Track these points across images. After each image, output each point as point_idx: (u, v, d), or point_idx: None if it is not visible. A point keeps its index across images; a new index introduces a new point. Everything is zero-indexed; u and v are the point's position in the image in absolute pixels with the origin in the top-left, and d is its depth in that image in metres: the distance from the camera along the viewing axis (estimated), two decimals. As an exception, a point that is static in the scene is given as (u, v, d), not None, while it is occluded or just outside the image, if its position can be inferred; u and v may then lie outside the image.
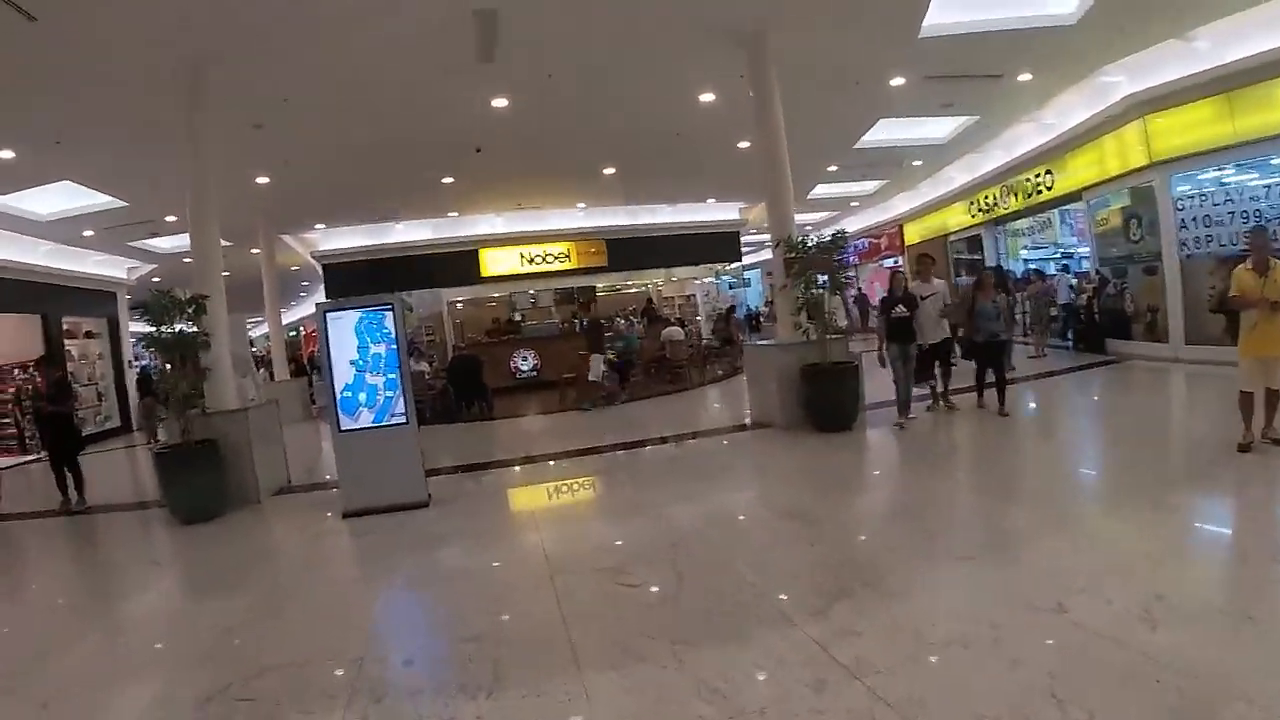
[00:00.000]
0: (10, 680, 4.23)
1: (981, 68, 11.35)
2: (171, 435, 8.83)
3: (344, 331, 7.46)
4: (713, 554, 5.42)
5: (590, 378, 14.48)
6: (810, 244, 9.56)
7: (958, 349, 10.47)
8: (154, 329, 8.27)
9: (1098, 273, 14.37)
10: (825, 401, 9.31)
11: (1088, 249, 21.40)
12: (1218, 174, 11.54)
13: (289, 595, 5.58)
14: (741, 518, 6.61)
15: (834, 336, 9.72)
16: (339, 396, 7.45)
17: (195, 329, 8.40)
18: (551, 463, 9.67)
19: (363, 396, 7.48)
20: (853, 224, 28.76)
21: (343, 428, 7.49)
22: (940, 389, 10.10)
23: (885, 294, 10.03)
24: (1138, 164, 12.37)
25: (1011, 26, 9.65)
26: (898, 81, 11.60)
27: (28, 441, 14.86)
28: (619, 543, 5.99)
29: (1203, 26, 10.40)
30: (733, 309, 24.90)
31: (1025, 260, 20.20)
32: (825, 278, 9.61)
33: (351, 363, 7.45)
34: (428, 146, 12.93)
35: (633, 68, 10.44)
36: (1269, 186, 10.77)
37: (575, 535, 6.49)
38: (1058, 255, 20.86)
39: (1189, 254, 11.68)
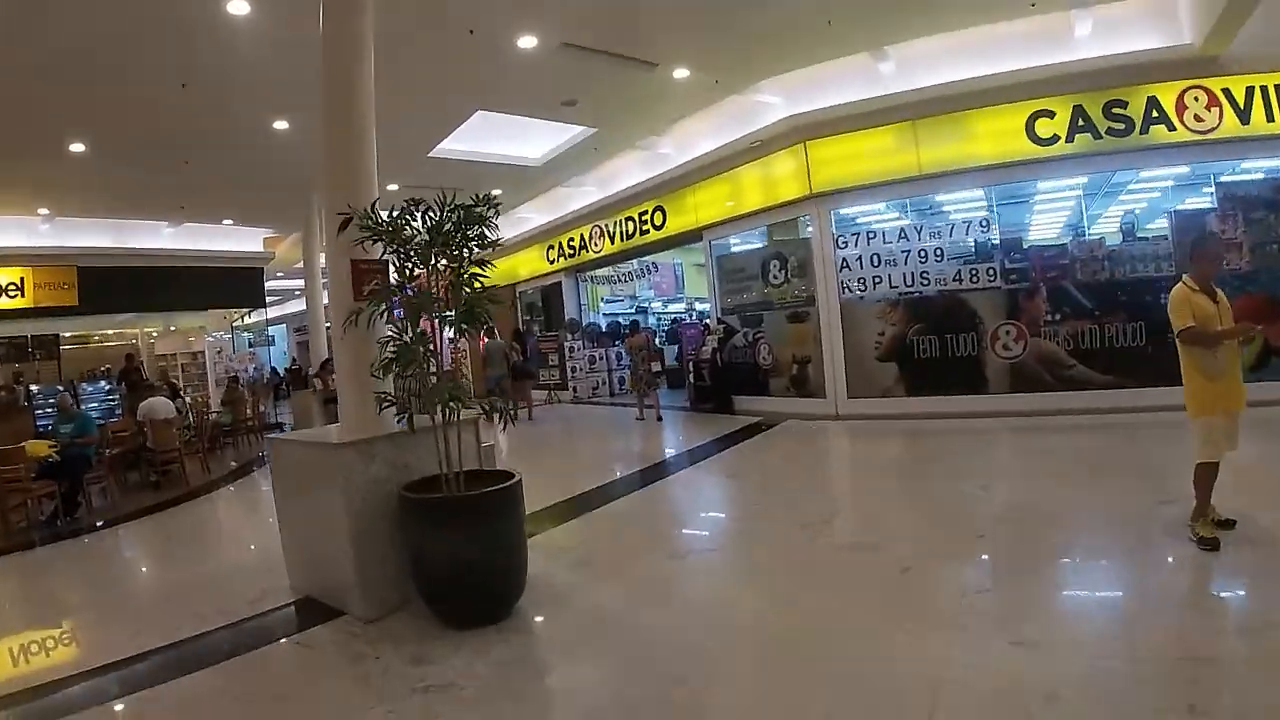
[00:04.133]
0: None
1: (638, 47, 8.68)
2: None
3: None
4: None
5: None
6: (415, 216, 4.46)
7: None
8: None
9: (721, 322, 12.71)
10: (454, 571, 4.06)
11: (662, 303, 21.14)
12: (884, 210, 10.59)
13: None
14: None
15: (470, 413, 4.63)
16: None
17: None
18: None
19: None
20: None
21: None
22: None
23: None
24: (792, 195, 10.84)
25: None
26: (526, 43, 8.24)
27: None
28: None
29: (891, 47, 9.22)
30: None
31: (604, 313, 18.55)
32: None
33: None
34: None
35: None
36: (950, 223, 9.92)
37: None
38: (633, 310, 19.71)
39: (858, 296, 10.36)
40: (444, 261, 4.35)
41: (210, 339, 18.48)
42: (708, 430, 10.81)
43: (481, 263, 4.49)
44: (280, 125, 9.89)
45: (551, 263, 17.69)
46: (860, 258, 10.28)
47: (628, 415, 13.24)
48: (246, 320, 19.16)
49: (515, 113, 10.61)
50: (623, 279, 16.83)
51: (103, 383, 15.15)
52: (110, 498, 9.40)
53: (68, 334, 16.49)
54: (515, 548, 4.25)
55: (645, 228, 14.30)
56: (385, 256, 4.51)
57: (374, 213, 4.47)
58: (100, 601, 5.64)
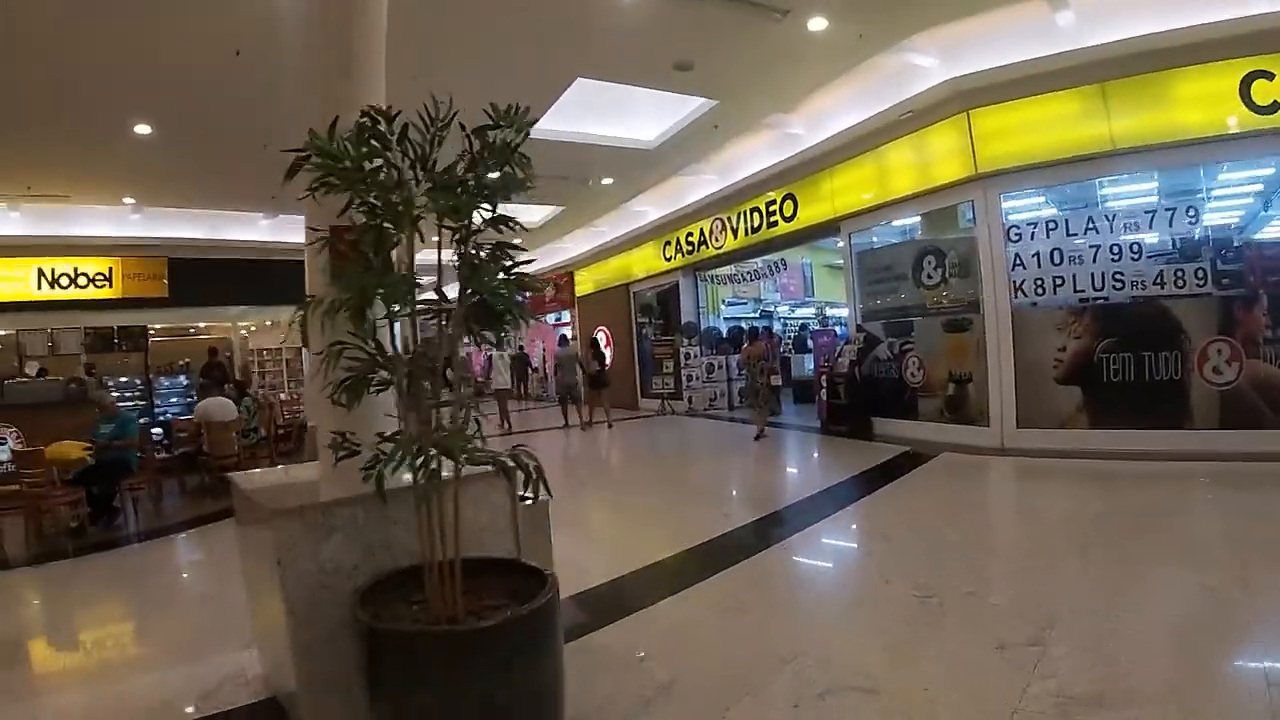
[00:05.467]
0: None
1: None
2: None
3: None
4: None
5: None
6: (424, 146, 2.75)
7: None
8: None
9: (860, 330, 10.99)
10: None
11: (790, 306, 19.39)
12: (1068, 194, 8.64)
13: None
14: None
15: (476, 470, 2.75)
16: None
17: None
18: None
19: None
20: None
21: None
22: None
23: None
24: (952, 177, 8.99)
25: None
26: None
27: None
28: None
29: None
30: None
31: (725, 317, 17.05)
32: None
33: None
34: None
35: None
36: (1150, 211, 7.91)
37: None
38: (756, 314, 18.14)
39: (1031, 301, 8.48)
40: (442, 221, 2.68)
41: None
42: (844, 460, 9.11)
43: (504, 228, 2.78)
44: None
45: (668, 260, 16.31)
46: (1037, 254, 8.29)
47: (746, 434, 11.74)
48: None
49: (621, 80, 9.22)
50: (746, 278, 15.22)
51: (181, 377, 14.94)
52: (147, 506, 8.73)
53: (157, 326, 16.40)
54: (543, 696, 2.59)
55: (773, 219, 12.67)
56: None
57: (341, 142, 2.62)
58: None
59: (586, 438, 13.73)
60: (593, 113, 10.55)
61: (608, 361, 16.75)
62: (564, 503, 7.88)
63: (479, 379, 17.16)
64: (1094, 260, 8.00)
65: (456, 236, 2.67)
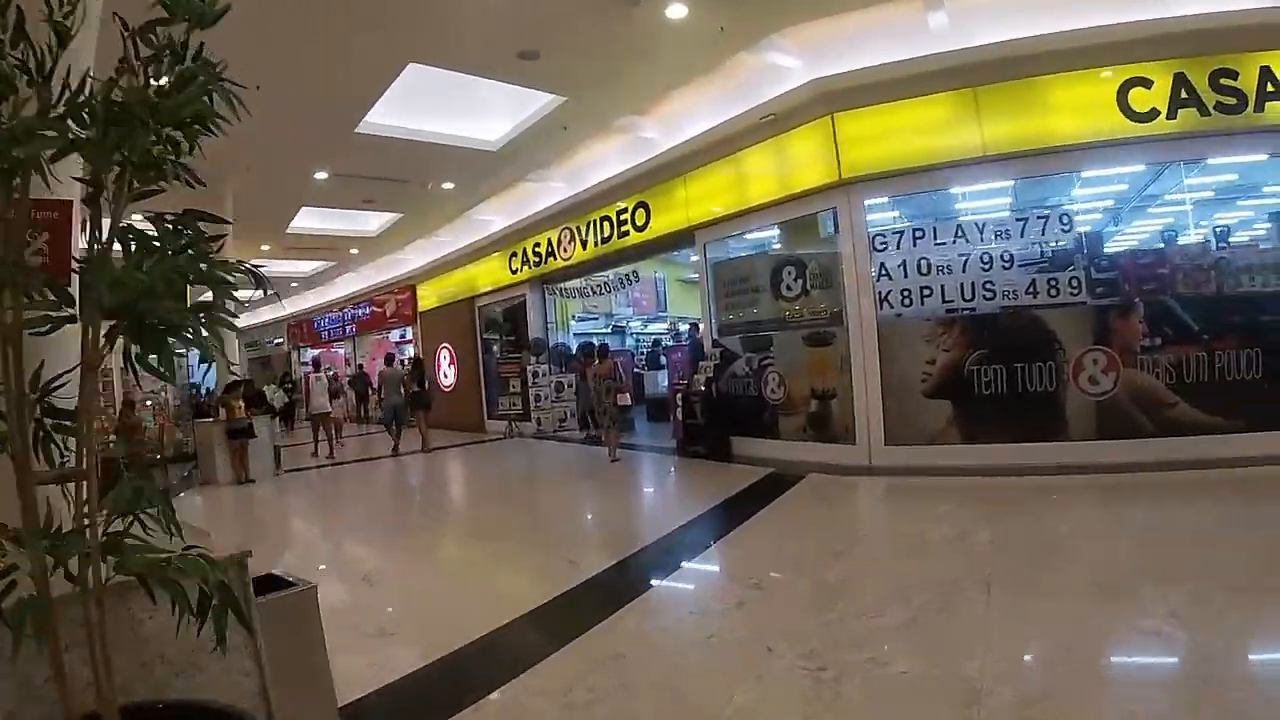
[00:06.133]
0: None
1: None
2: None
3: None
4: None
5: None
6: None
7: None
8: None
9: (716, 344, 10.38)
10: None
11: (642, 321, 18.65)
12: (935, 202, 8.35)
13: None
14: None
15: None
16: None
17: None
18: None
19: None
20: (351, 283, 22.28)
21: None
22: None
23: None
24: (814, 183, 8.54)
25: None
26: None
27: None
28: None
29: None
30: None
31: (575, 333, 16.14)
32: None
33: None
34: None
35: None
36: (1021, 219, 7.67)
37: None
38: (608, 329, 17.38)
39: (897, 313, 8.08)
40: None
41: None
42: (704, 486, 8.45)
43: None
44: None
45: (515, 272, 15.25)
46: (903, 263, 7.97)
47: (597, 456, 10.88)
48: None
49: (461, 68, 8.15)
50: (596, 291, 14.38)
51: None
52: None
53: None
54: None
55: (624, 229, 11.93)
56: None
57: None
58: None
59: (415, 465, 12.46)
60: (431, 108, 9.45)
61: (434, 382, 16.25)
62: (368, 557, 6.65)
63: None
64: (963, 270, 7.77)
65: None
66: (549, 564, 5.77)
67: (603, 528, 7.63)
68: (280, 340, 29.51)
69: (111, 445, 11.97)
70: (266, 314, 28.69)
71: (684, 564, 5.69)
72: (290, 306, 26.62)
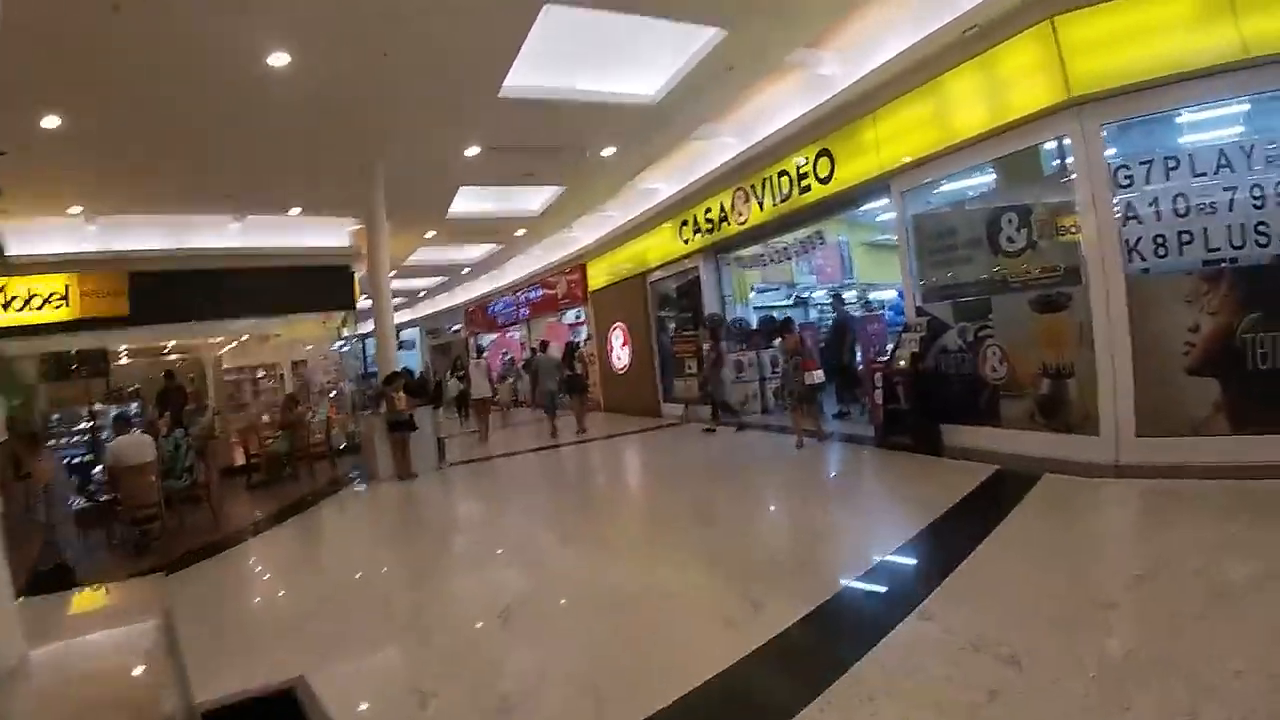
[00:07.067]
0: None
1: None
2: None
3: None
4: None
5: None
6: None
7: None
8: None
9: (921, 313, 8.72)
10: None
11: (826, 290, 16.71)
12: (1191, 122, 6.33)
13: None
14: None
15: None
16: None
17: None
18: None
19: None
20: (522, 266, 22.15)
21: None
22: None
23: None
24: (1036, 106, 6.72)
25: None
26: None
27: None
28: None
29: None
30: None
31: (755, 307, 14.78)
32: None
33: None
34: None
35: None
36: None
37: None
38: (790, 300, 15.87)
39: (1145, 266, 6.21)
40: None
41: (308, 347, 16.06)
42: (916, 489, 7.01)
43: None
44: (278, 61, 7.11)
45: (686, 242, 14.15)
46: (1156, 202, 6.06)
47: (784, 444, 9.56)
48: (341, 323, 16.44)
49: (602, 3, 7.07)
50: (774, 258, 12.91)
51: (133, 405, 12.80)
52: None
53: (122, 348, 14.63)
54: None
55: (805, 183, 10.44)
56: None
57: None
58: None
59: (575, 458, 11.81)
60: (578, 60, 8.54)
61: (589, 364, 17.10)
62: (501, 592, 5.32)
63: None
64: (1230, 209, 5.80)
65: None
66: (726, 604, 4.63)
67: (791, 551, 6.11)
68: (459, 326, 30.18)
69: (275, 440, 12.23)
70: (444, 301, 29.48)
71: (903, 618, 4.07)
72: (464, 294, 27.12)
